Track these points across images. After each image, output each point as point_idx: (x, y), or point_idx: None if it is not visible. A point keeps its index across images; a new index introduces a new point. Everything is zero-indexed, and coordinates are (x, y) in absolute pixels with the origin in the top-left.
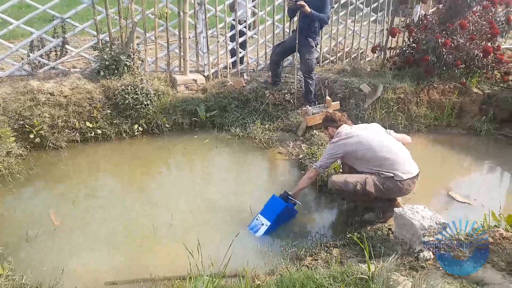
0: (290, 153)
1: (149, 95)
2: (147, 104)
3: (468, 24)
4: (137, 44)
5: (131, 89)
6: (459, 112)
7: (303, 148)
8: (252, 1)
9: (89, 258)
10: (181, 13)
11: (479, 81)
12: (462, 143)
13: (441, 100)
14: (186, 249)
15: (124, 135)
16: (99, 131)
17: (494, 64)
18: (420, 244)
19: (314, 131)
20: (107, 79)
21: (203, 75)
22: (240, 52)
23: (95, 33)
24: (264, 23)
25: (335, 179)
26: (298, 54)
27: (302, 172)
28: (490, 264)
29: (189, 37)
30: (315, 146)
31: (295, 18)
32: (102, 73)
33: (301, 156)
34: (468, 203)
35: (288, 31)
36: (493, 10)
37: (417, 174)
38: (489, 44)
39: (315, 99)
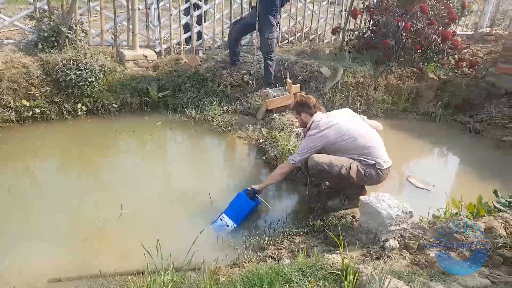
0: (250, 137)
1: (94, 71)
2: (92, 81)
3: (427, 8)
4: (80, 15)
5: (73, 64)
6: (415, 98)
7: (263, 132)
8: None
9: (29, 253)
10: None
11: (435, 67)
12: (418, 129)
13: (398, 85)
14: (139, 242)
15: (66, 115)
16: (37, 110)
17: (449, 50)
18: (386, 233)
19: (275, 114)
20: (46, 52)
21: (154, 51)
22: (195, 27)
23: (31, 0)
24: None
25: (318, 159)
26: (257, 33)
27: (262, 157)
28: (454, 253)
29: (139, 8)
30: (275, 131)
31: None
32: (40, 45)
33: (261, 140)
34: (427, 189)
35: (246, 7)
36: None
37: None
38: (446, 29)
39: (275, 81)
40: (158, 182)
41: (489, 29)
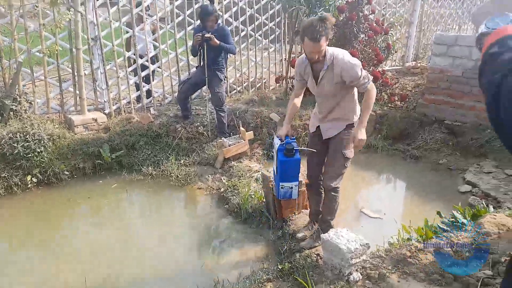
0: (211, 187)
1: (42, 141)
2: (41, 151)
3: (357, 53)
4: (24, 85)
5: (20, 137)
6: None
7: (224, 181)
8: (152, 35)
9: None
10: (74, 50)
11: None
12: (363, 161)
13: None
14: None
15: (15, 189)
16: None
17: (382, 87)
18: (349, 267)
19: (232, 162)
20: None
21: (104, 113)
22: (144, 86)
23: None
24: (167, 56)
25: (334, 184)
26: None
27: (225, 206)
28: (411, 276)
29: (85, 73)
30: (235, 178)
31: (200, 52)
32: None
33: (222, 189)
34: (380, 218)
35: (193, 64)
36: (375, 38)
37: None
38: (375, 69)
39: (228, 130)
40: (117, 248)
41: (414, 62)
